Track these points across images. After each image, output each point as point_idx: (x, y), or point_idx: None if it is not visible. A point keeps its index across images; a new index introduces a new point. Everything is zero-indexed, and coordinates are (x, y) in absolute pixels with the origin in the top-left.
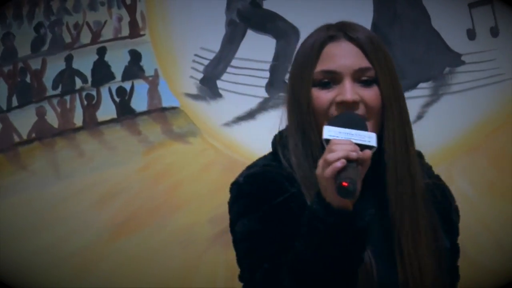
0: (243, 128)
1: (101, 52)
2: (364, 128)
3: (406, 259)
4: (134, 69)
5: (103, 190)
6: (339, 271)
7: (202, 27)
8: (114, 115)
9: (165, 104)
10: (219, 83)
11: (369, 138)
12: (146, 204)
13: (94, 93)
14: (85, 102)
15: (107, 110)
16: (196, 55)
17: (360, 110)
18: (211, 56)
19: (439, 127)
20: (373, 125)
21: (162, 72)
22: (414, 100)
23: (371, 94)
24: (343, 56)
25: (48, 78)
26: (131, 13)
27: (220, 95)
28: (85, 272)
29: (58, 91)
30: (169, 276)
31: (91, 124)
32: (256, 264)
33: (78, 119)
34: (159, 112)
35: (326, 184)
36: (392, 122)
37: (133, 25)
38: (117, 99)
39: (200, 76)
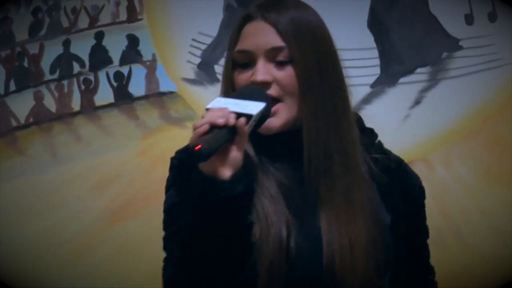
0: None
1: (99, 36)
2: (260, 99)
3: (330, 234)
4: (131, 53)
5: (101, 175)
6: (221, 240)
7: (199, 12)
8: (112, 100)
9: (162, 88)
10: (216, 68)
11: (254, 107)
12: (144, 189)
13: (91, 77)
14: (83, 87)
15: (104, 95)
16: (193, 39)
17: (273, 90)
18: (208, 40)
19: (436, 112)
20: (292, 105)
21: (160, 56)
22: (411, 85)
23: (284, 75)
24: (256, 35)
25: (46, 63)
26: None
27: (217, 80)
28: (82, 257)
29: (56, 75)
30: None
31: (89, 108)
32: (167, 239)
33: (75, 103)
34: (157, 97)
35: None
36: (311, 101)
37: (131, 9)
38: (115, 84)
39: (197, 60)
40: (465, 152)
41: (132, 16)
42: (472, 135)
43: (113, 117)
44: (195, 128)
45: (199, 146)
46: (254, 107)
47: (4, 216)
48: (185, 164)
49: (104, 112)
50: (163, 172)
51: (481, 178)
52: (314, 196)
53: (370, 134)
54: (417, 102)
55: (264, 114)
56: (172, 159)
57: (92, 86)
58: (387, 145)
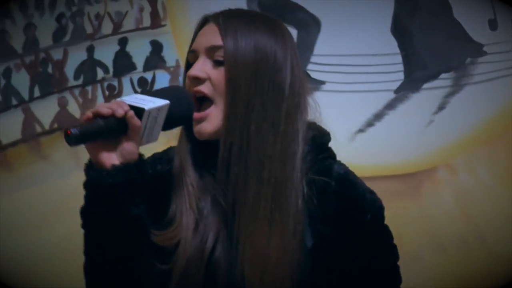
0: None
1: (123, 42)
2: (180, 98)
3: (243, 250)
4: (155, 59)
5: None
6: (108, 230)
7: None
8: None
9: None
10: None
11: (151, 102)
12: None
13: (115, 83)
14: (107, 93)
15: None
16: None
17: (206, 88)
18: None
19: (460, 118)
20: (222, 104)
21: (184, 62)
22: (435, 90)
23: (217, 74)
24: (202, 35)
25: (70, 69)
26: (152, 4)
27: None
28: None
29: (80, 81)
30: None
31: None
32: None
33: None
34: None
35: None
36: (235, 105)
37: (154, 15)
38: (139, 90)
39: None
40: (488, 157)
41: (156, 22)
42: (495, 140)
43: None
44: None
45: (70, 130)
46: (151, 103)
47: (27, 220)
48: (150, 163)
49: None
50: None
51: (504, 183)
52: (232, 208)
53: (321, 150)
54: (441, 107)
55: (183, 114)
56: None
57: (116, 92)
58: (411, 150)
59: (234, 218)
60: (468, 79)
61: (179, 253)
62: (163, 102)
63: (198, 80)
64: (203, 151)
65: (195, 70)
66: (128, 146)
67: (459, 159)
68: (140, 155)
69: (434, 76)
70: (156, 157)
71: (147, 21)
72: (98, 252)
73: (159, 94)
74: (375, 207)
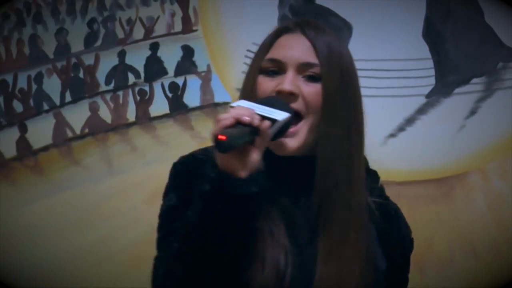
0: None
1: (154, 47)
2: (283, 109)
3: (323, 271)
4: (186, 64)
5: (156, 185)
6: (221, 240)
7: (254, 22)
8: (167, 111)
9: (217, 99)
10: None
11: (278, 114)
12: None
13: (147, 88)
14: (138, 98)
15: (159, 106)
16: (248, 50)
17: (298, 104)
18: None
19: (492, 123)
20: (312, 122)
21: (215, 67)
22: (467, 95)
23: (311, 90)
24: (292, 47)
25: (101, 74)
26: (184, 9)
27: None
28: (135, 267)
29: (111, 86)
30: None
31: (144, 119)
32: (163, 237)
33: (131, 114)
34: (212, 107)
35: (212, 140)
36: (331, 123)
37: (186, 20)
38: (170, 95)
39: None
40: None
41: (187, 27)
42: None
43: (168, 127)
44: (218, 120)
45: (223, 136)
46: (278, 114)
47: (59, 226)
48: (189, 170)
49: (159, 122)
50: None
51: None
52: (313, 228)
53: (374, 176)
54: (473, 112)
55: (284, 127)
56: (175, 164)
57: (147, 96)
58: (443, 155)
59: (313, 243)
60: (500, 84)
61: (257, 270)
62: (286, 114)
63: (291, 96)
64: (280, 167)
65: (290, 86)
66: (256, 156)
67: (491, 164)
68: None
69: (466, 81)
70: (199, 158)
71: (178, 26)
72: (206, 262)
73: (269, 104)
74: (411, 235)
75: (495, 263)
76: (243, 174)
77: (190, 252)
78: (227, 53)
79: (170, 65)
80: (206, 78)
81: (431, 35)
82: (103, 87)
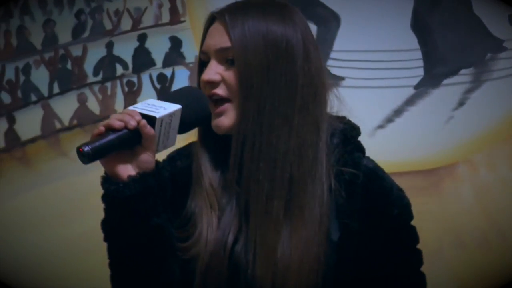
0: None
1: (142, 38)
2: (196, 100)
3: (254, 251)
4: (174, 55)
5: None
6: (130, 242)
7: None
8: None
9: None
10: None
11: (160, 109)
12: None
13: (135, 79)
14: (126, 89)
15: (148, 97)
16: None
17: (221, 90)
18: None
19: (480, 114)
20: (237, 102)
21: None
22: (455, 86)
23: (230, 74)
24: (211, 36)
25: (89, 65)
26: (172, 0)
27: None
28: None
29: (99, 77)
30: None
31: None
32: None
33: (119, 105)
34: None
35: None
36: (248, 102)
37: (174, 11)
38: (158, 86)
39: None
40: (508, 153)
41: (175, 18)
42: None
43: None
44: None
45: (84, 147)
46: (160, 109)
47: (46, 217)
48: (166, 163)
49: None
50: None
51: None
52: (245, 207)
53: (349, 143)
54: (461, 103)
55: (199, 116)
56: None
57: (135, 88)
58: (431, 146)
59: (248, 217)
60: (488, 75)
61: (201, 247)
62: (175, 107)
63: (213, 84)
64: (222, 149)
65: (208, 75)
66: (143, 156)
67: (479, 155)
68: (157, 163)
69: (454, 72)
70: (176, 153)
71: (166, 17)
72: (123, 263)
73: (172, 97)
74: (402, 204)
75: (483, 254)
76: (126, 175)
77: (110, 256)
78: None
79: (158, 56)
80: (194, 70)
81: (419, 26)
82: (91, 79)
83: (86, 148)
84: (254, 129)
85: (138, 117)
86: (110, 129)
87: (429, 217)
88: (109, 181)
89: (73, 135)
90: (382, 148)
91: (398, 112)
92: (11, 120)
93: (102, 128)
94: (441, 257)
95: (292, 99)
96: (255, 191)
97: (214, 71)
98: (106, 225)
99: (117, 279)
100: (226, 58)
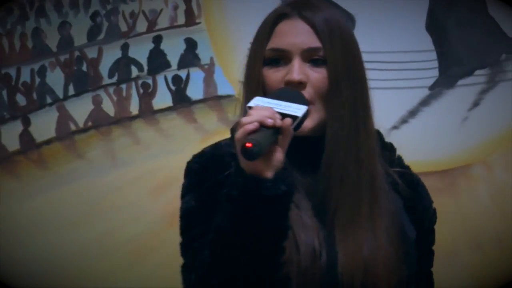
0: None
1: (157, 40)
2: (299, 102)
3: (346, 249)
4: (190, 57)
5: (159, 178)
6: (256, 243)
7: (258, 15)
8: (170, 103)
9: (220, 92)
10: None
11: (296, 109)
12: None
13: (150, 81)
14: (141, 91)
15: (163, 98)
16: (251, 43)
17: (307, 91)
18: None
19: (495, 114)
20: (321, 108)
21: (218, 60)
22: (470, 87)
23: (318, 76)
24: (293, 34)
25: (104, 67)
26: (187, 1)
27: None
28: (139, 260)
29: (114, 79)
30: None
31: (147, 112)
32: (187, 243)
33: (134, 107)
34: (215, 100)
35: (237, 147)
36: (340, 105)
37: (189, 13)
38: (173, 87)
39: None
40: None
41: (190, 19)
42: None
43: (171, 120)
44: (242, 125)
45: (250, 143)
46: (296, 109)
47: (63, 219)
48: (206, 168)
49: (162, 115)
50: None
51: None
52: (330, 207)
53: (391, 149)
54: (476, 104)
55: (303, 119)
56: (189, 163)
57: (150, 89)
58: (446, 147)
59: (329, 217)
60: (503, 76)
61: (292, 249)
62: (304, 108)
63: (300, 85)
64: (296, 150)
65: (298, 75)
66: (280, 155)
67: (494, 156)
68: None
69: (469, 73)
70: (232, 154)
71: (181, 19)
72: (231, 271)
73: (284, 97)
74: (433, 205)
75: (499, 255)
76: (269, 174)
77: (223, 258)
78: (230, 46)
79: (173, 58)
80: (209, 71)
81: (434, 27)
82: (106, 80)
83: (254, 146)
84: (344, 131)
85: (278, 115)
86: (262, 126)
87: (444, 218)
88: (257, 178)
89: (88, 137)
90: (397, 149)
91: (413, 113)
92: (26, 122)
93: (256, 124)
94: (457, 258)
95: (367, 103)
96: (343, 191)
97: (302, 71)
98: (228, 226)
99: (225, 282)
100: (310, 58)
